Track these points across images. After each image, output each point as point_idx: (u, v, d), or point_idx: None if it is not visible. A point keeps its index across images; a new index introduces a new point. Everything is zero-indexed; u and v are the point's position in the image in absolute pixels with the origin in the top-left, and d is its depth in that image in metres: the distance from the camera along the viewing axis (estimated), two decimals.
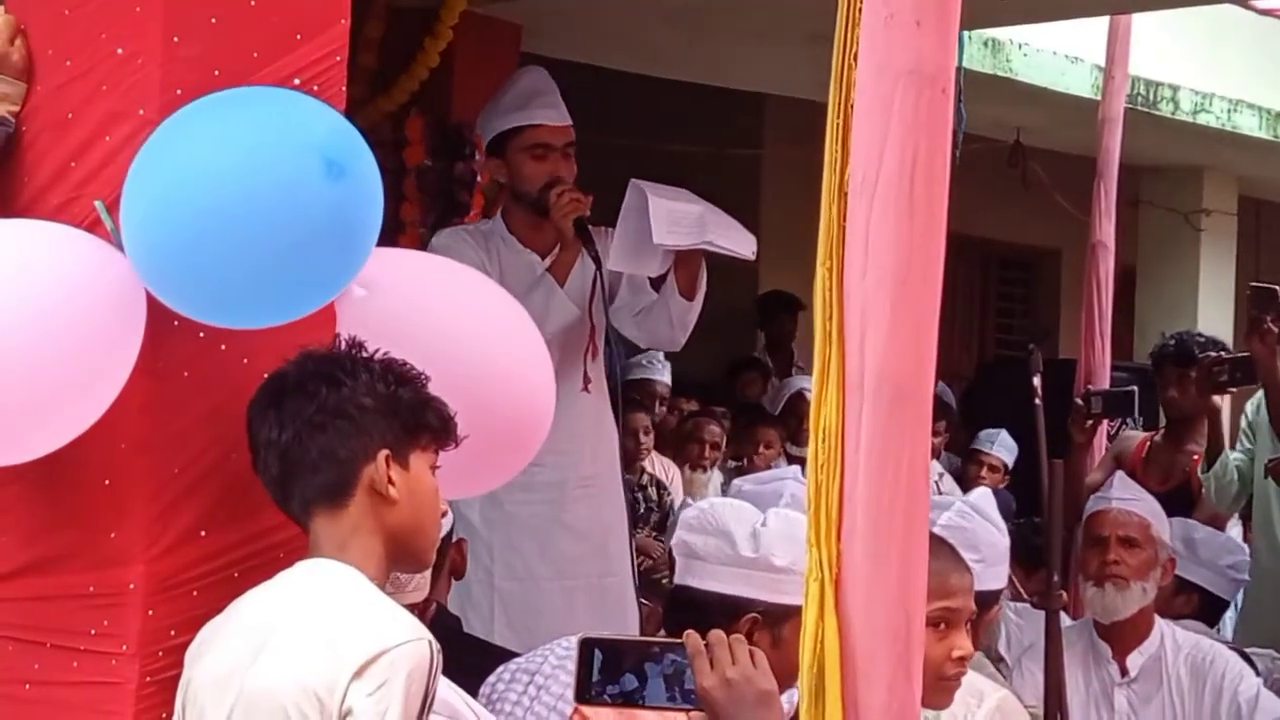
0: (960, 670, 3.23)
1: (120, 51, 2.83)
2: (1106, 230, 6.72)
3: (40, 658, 2.88)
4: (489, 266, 4.54)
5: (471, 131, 6.01)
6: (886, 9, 2.19)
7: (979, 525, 3.77)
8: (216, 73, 2.81)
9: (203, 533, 2.84)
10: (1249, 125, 10.09)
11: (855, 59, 2.22)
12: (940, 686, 3.18)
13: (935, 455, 7.74)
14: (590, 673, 2.45)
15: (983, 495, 3.94)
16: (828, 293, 2.24)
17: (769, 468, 7.32)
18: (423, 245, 5.09)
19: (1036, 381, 4.42)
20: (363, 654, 2.48)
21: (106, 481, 2.82)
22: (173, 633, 2.80)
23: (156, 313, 2.74)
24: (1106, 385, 6.58)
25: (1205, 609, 5.36)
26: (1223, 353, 6.04)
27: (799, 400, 8.14)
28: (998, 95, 8.52)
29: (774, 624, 2.95)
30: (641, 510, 6.69)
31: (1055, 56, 8.75)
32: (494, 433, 2.96)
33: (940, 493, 6.51)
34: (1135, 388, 6.41)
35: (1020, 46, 8.55)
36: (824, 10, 2.43)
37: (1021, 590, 5.70)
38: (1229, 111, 9.94)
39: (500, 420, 3.01)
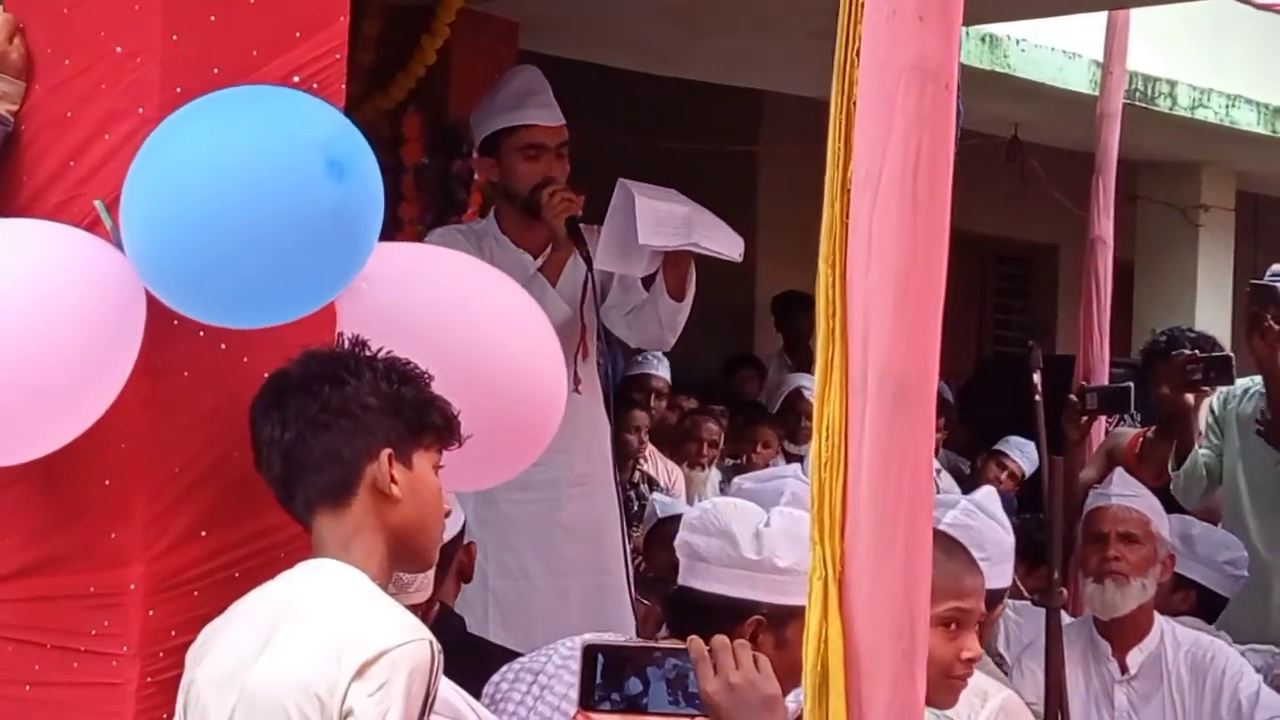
0: (968, 671, 3.23)
1: (119, 50, 2.83)
2: (1105, 226, 6.69)
3: (41, 658, 2.88)
4: None
5: (468, 129, 6.00)
6: (889, 5, 2.19)
7: (984, 524, 3.77)
8: (216, 71, 2.81)
9: (203, 533, 2.83)
10: (1247, 120, 10.08)
11: (858, 55, 2.22)
12: (947, 686, 3.18)
13: (934, 452, 7.70)
14: (593, 679, 2.45)
15: (988, 493, 3.94)
16: (831, 290, 2.23)
17: (767, 465, 7.31)
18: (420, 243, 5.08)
19: (1037, 378, 4.40)
20: (363, 654, 2.49)
21: (106, 481, 2.82)
22: (173, 633, 2.80)
23: (156, 312, 2.73)
24: (1105, 381, 6.55)
25: (1203, 606, 5.34)
26: (1198, 350, 6.01)
27: (797, 398, 8.12)
28: (996, 91, 8.51)
29: (778, 625, 2.94)
30: (635, 509, 6.67)
31: (1053, 52, 8.74)
32: (504, 419, 2.95)
33: (939, 490, 6.49)
34: (1131, 384, 6.38)
35: (1018, 42, 8.55)
36: (826, 6, 2.42)
37: (1021, 587, 5.68)
38: (1227, 107, 9.93)
39: (511, 405, 2.99)
